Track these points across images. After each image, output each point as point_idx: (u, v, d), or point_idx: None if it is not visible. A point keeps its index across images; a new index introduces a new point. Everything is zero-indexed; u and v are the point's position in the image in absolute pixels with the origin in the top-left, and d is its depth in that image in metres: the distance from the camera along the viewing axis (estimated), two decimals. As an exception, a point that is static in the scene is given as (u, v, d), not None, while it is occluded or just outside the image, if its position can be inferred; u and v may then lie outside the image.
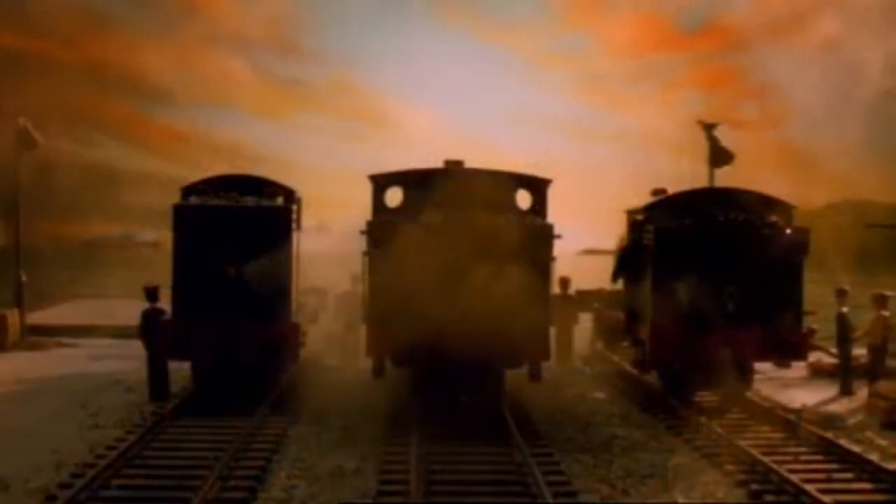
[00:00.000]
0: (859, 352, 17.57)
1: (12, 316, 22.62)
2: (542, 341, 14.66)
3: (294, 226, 16.32)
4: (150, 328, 16.10)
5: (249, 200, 16.12)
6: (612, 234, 20.48)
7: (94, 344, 22.79)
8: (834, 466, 12.13)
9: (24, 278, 23.33)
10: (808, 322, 16.54)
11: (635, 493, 11.19)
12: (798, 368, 18.09)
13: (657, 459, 12.60)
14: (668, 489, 11.30)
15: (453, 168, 16.05)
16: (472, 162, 16.23)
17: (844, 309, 17.25)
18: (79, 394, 16.31)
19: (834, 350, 17.98)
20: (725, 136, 24.26)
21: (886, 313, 16.90)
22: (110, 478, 11.11)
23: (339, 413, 15.10)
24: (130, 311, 19.12)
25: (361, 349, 15.96)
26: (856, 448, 12.80)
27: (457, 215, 14.50)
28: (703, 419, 14.35)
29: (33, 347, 22.26)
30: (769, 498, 10.98)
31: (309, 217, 17.56)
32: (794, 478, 11.13)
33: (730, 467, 12.03)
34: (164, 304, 16.10)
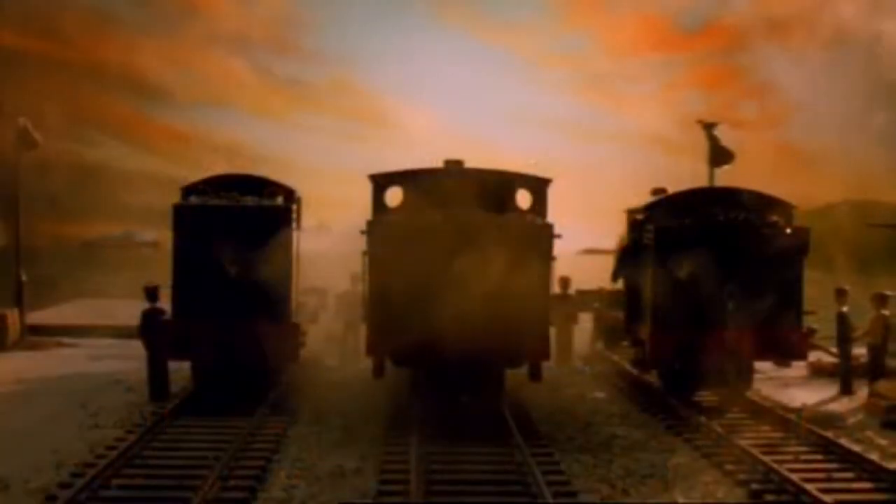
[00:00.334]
0: (859, 351, 17.57)
1: (12, 316, 22.64)
2: (542, 341, 14.65)
3: (294, 226, 16.32)
4: (150, 328, 16.10)
5: (249, 200, 16.13)
6: (612, 233, 20.50)
7: (94, 344, 22.79)
8: (834, 466, 12.13)
9: (24, 278, 23.34)
10: (808, 322, 16.56)
11: (635, 492, 11.19)
12: (798, 368, 18.11)
13: (657, 459, 12.59)
14: (668, 489, 11.30)
15: (453, 168, 16.05)
16: (472, 162, 16.25)
17: (844, 308, 17.25)
18: (79, 394, 16.31)
19: (834, 350, 17.99)
20: (725, 136, 24.27)
21: (886, 313, 16.90)
22: (110, 478, 11.11)
23: (339, 413, 15.11)
24: (130, 311, 19.12)
25: (361, 349, 15.96)
26: (856, 447, 12.79)
27: (457, 215, 14.50)
28: (703, 419, 14.35)
29: (33, 347, 22.26)
30: (769, 497, 10.98)
31: (309, 217, 17.60)
32: (795, 477, 11.13)
33: (730, 467, 12.02)
34: (164, 304, 16.10)
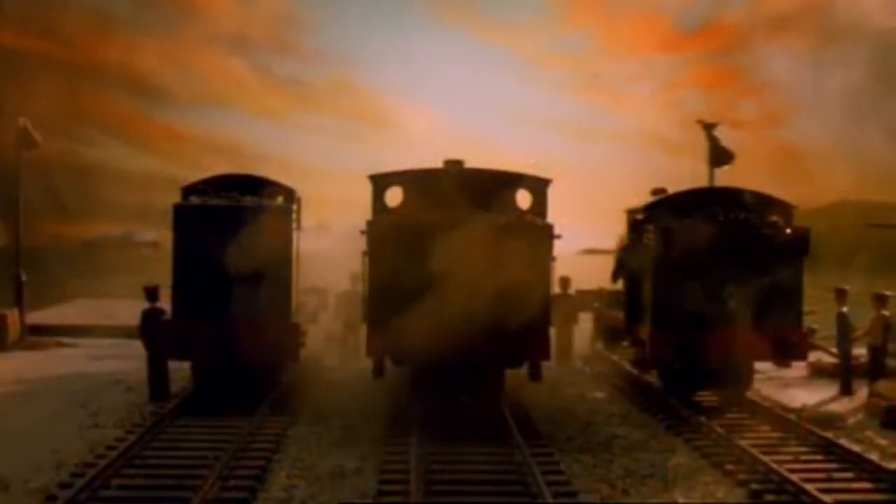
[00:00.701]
0: (859, 352, 17.58)
1: (12, 316, 22.63)
2: (542, 341, 14.66)
3: (294, 226, 16.32)
4: (150, 328, 16.10)
5: (249, 200, 16.12)
6: (612, 234, 20.52)
7: (94, 344, 22.78)
8: (834, 466, 12.13)
9: (24, 278, 23.34)
10: (808, 322, 16.55)
11: (635, 492, 11.19)
12: (798, 368, 18.12)
13: (657, 459, 12.59)
14: (668, 489, 11.30)
15: (453, 168, 16.06)
16: (472, 162, 16.27)
17: (844, 309, 17.25)
18: (79, 394, 16.32)
19: (834, 350, 17.99)
20: (725, 136, 24.27)
21: (886, 313, 16.91)
22: (110, 478, 11.11)
23: (339, 413, 15.11)
24: (130, 311, 19.14)
25: (361, 349, 15.96)
26: (856, 447, 12.80)
27: (457, 215, 14.50)
28: (703, 419, 14.35)
29: (33, 347, 22.26)
30: (769, 497, 10.98)
31: (309, 217, 17.59)
32: (795, 477, 11.13)
33: (730, 467, 12.03)
34: (164, 304, 16.10)
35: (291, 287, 15.94)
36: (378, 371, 14.90)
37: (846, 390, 17.00)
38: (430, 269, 13.78)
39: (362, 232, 14.92)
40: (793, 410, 15.43)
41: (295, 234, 16.30)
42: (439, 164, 16.18)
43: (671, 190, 17.55)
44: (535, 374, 14.97)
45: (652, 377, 17.32)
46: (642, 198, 17.94)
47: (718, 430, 13.61)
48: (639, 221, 17.39)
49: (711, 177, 24.10)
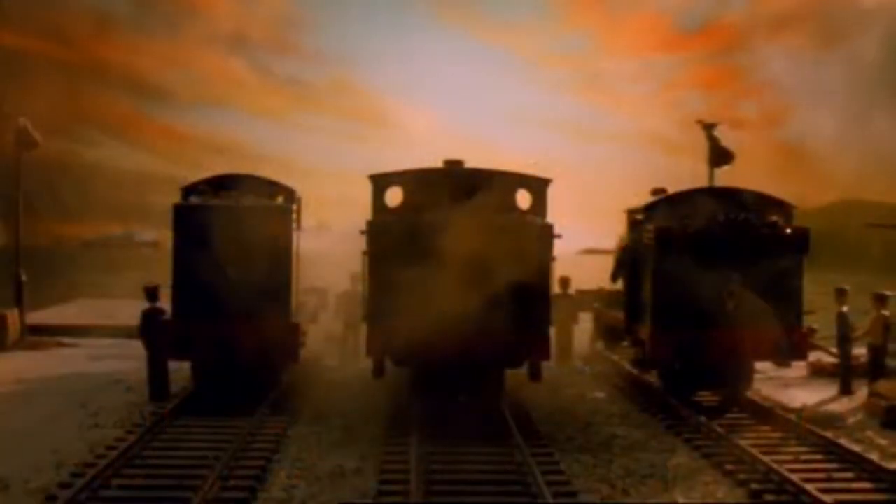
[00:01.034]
0: (859, 352, 17.57)
1: (12, 316, 22.63)
2: (542, 341, 14.66)
3: (294, 226, 16.32)
4: (150, 328, 16.10)
5: (249, 200, 16.12)
6: (612, 233, 20.49)
7: (94, 344, 22.78)
8: (834, 466, 12.13)
9: (24, 278, 23.34)
10: (808, 322, 16.54)
11: (635, 492, 11.19)
12: (798, 368, 18.11)
13: (657, 459, 12.59)
14: (668, 489, 11.30)
15: (453, 168, 16.06)
16: (472, 162, 16.27)
17: (844, 308, 17.25)
18: (79, 394, 16.31)
19: (834, 350, 17.99)
20: (725, 136, 24.23)
21: (886, 313, 16.90)
22: (110, 478, 11.11)
23: (339, 413, 15.11)
24: (130, 311, 19.13)
25: (361, 349, 15.96)
26: (856, 447, 12.80)
27: (457, 215, 14.50)
28: (703, 419, 14.35)
29: (33, 347, 22.25)
30: (769, 497, 10.98)
31: (309, 217, 17.59)
32: (795, 477, 11.13)
33: (730, 467, 12.03)
34: (164, 304, 16.10)
35: (291, 287, 15.94)
36: (378, 371, 14.90)
37: (846, 390, 16.99)
38: (429, 269, 13.78)
39: (362, 232, 14.92)
40: (793, 410, 15.43)
41: (295, 234, 16.30)
42: (439, 164, 16.17)
43: (671, 190, 17.55)
44: (535, 374, 14.98)
45: (652, 377, 17.32)
46: (642, 198, 17.96)
47: (718, 430, 13.61)
48: (639, 221, 17.39)
49: (711, 177, 24.07)
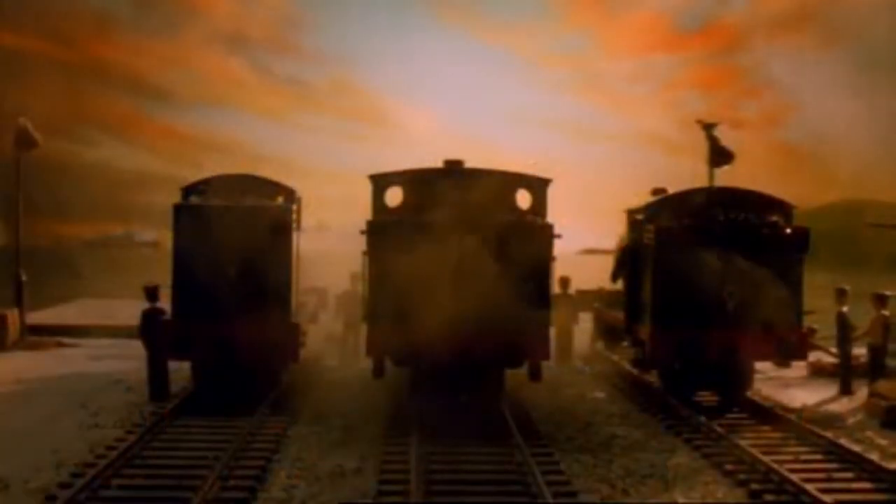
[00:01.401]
0: (859, 352, 17.58)
1: (12, 316, 22.64)
2: (542, 341, 14.66)
3: (294, 225, 16.32)
4: (150, 328, 16.10)
5: (249, 200, 16.12)
6: (612, 233, 20.51)
7: (94, 344, 22.80)
8: (834, 466, 12.13)
9: (24, 278, 23.35)
10: (808, 322, 16.54)
11: (635, 492, 11.18)
12: (798, 368, 18.13)
13: (657, 459, 12.59)
14: (668, 489, 11.30)
15: (453, 168, 16.06)
16: (472, 162, 16.25)
17: (844, 308, 17.26)
18: (79, 394, 16.32)
19: (834, 350, 17.99)
20: (725, 136, 24.24)
21: (886, 313, 16.91)
22: (110, 478, 11.11)
23: (339, 413, 15.12)
24: (131, 311, 19.14)
25: (361, 349, 15.96)
26: (856, 447, 12.79)
27: (457, 215, 14.50)
28: (703, 419, 14.35)
29: (33, 347, 22.27)
30: (769, 497, 10.98)
31: (309, 217, 17.59)
32: (795, 477, 11.13)
33: (730, 467, 12.02)
34: (164, 304, 16.10)
35: (291, 287, 15.94)
36: (378, 371, 14.90)
37: (846, 390, 17.00)
38: (429, 269, 13.78)
39: (362, 232, 14.93)
40: (793, 410, 15.43)
41: (295, 234, 16.30)
42: (439, 164, 16.17)
43: (671, 190, 17.56)
44: (535, 374, 14.98)
45: (652, 377, 17.33)
46: (642, 198, 17.97)
47: (718, 430, 13.61)
48: (639, 221, 17.40)
49: (711, 177, 24.08)
